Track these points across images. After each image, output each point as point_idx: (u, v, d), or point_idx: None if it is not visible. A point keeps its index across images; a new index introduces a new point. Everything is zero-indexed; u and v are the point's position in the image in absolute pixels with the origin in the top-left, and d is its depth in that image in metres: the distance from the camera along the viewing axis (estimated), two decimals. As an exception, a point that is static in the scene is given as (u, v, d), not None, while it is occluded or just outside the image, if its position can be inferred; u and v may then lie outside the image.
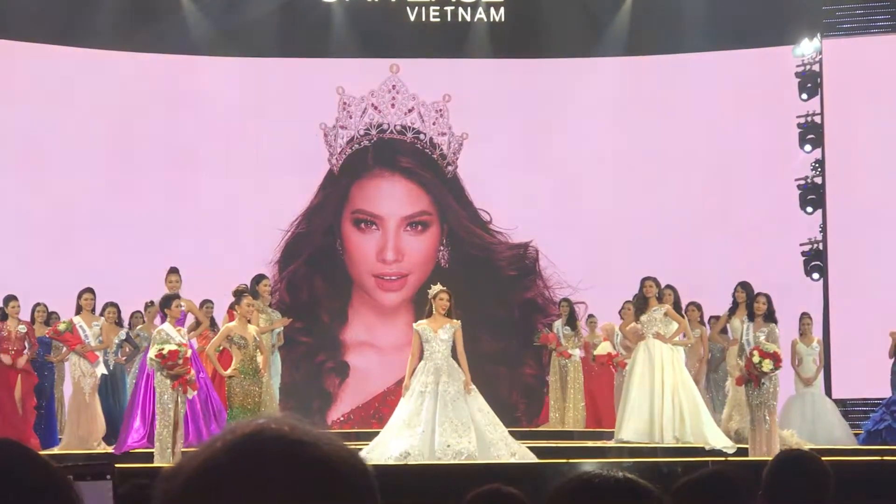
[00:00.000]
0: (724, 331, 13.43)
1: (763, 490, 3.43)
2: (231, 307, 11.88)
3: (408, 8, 17.55)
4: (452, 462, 10.33)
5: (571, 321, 15.19)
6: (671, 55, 17.41)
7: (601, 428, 14.22)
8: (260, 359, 10.99)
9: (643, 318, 12.22)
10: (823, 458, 3.65)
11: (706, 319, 14.04)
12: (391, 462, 10.31)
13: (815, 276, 16.83)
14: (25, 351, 12.64)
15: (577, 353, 15.03)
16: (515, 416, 16.12)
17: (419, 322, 11.25)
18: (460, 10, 17.61)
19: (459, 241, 17.39)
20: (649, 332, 12.15)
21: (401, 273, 17.32)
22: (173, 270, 12.50)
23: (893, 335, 13.62)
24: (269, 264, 16.71)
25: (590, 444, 12.85)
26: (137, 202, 16.59)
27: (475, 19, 17.60)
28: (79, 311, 12.60)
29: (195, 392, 11.12)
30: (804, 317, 13.71)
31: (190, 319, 12.66)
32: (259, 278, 12.97)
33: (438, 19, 17.61)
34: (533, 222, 17.14)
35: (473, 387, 11.01)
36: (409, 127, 17.59)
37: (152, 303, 12.95)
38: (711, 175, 17.04)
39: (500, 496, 2.98)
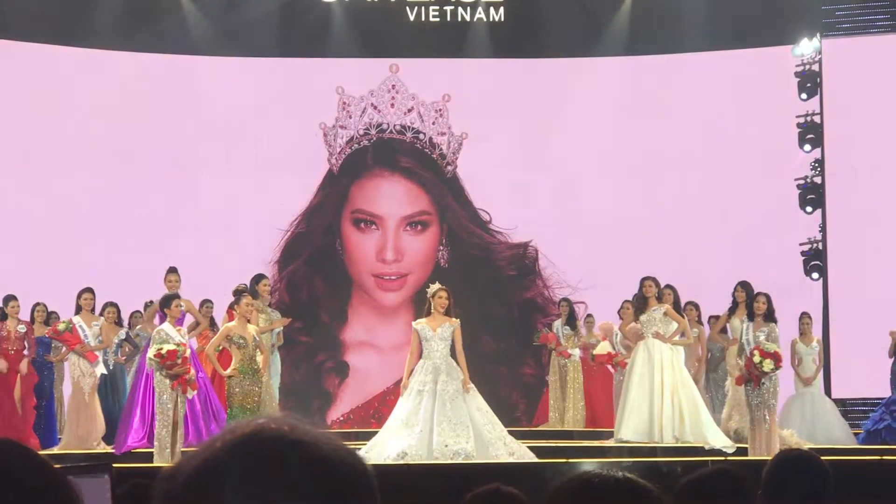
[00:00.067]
0: (723, 330, 13.43)
1: (763, 490, 3.43)
2: (231, 307, 11.88)
3: (407, 8, 17.55)
4: (452, 462, 10.33)
5: (571, 321, 15.20)
6: (671, 55, 17.41)
7: (597, 427, 14.24)
8: (260, 359, 10.99)
9: (643, 317, 12.22)
10: (823, 458, 3.65)
11: (705, 319, 14.05)
12: (389, 462, 10.30)
13: (815, 275, 16.84)
14: (25, 351, 12.63)
15: (577, 352, 15.03)
16: (515, 415, 16.12)
17: (418, 321, 11.24)
18: (460, 9, 17.61)
19: (459, 240, 17.39)
20: (649, 331, 12.15)
21: (400, 273, 17.32)
22: (172, 270, 12.52)
23: (893, 335, 13.62)
24: (269, 264, 16.71)
25: (589, 443, 12.84)
26: (137, 202, 16.59)
27: (475, 19, 17.60)
28: (78, 310, 12.61)
29: (195, 392, 11.12)
30: (804, 316, 13.71)
31: (189, 319, 12.65)
32: (259, 278, 12.97)
33: (438, 19, 17.62)
34: (532, 222, 17.15)
35: (472, 386, 11.00)
36: (409, 127, 17.59)
37: (151, 302, 12.95)
38: (711, 175, 17.04)
39: (500, 496, 2.98)
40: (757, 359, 10.90)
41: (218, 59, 17.19)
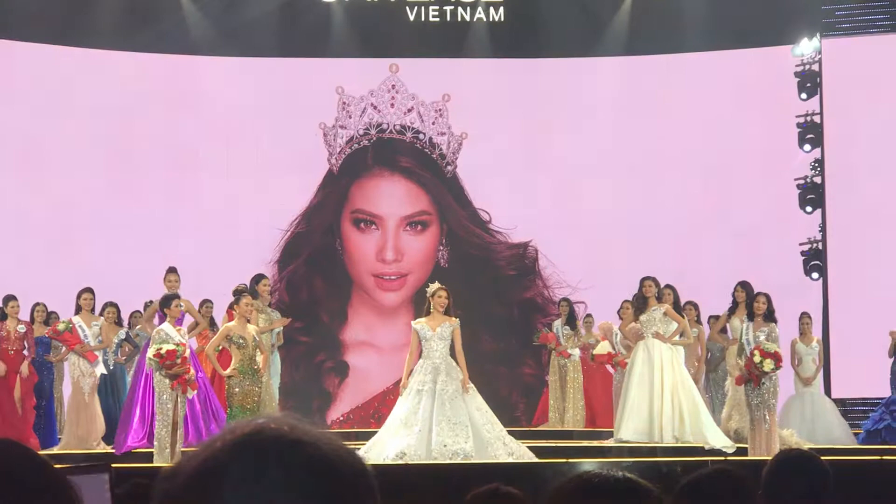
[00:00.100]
0: (723, 330, 13.43)
1: (762, 489, 3.43)
2: (230, 307, 11.88)
3: (407, 8, 17.55)
4: (452, 462, 10.32)
5: (571, 321, 15.20)
6: (671, 55, 17.41)
7: (596, 427, 14.25)
8: (259, 359, 10.99)
9: (642, 317, 12.22)
10: (823, 458, 3.65)
11: (704, 319, 14.05)
12: (388, 462, 10.29)
13: (815, 275, 16.84)
14: (25, 351, 12.63)
15: (577, 352, 15.03)
16: (515, 415, 16.12)
17: (417, 320, 11.23)
18: (460, 9, 17.61)
19: (459, 240, 17.39)
20: (648, 331, 12.15)
21: (400, 273, 17.33)
22: (172, 270, 12.52)
23: (893, 334, 13.62)
24: (269, 264, 16.72)
25: (589, 443, 12.84)
26: (137, 202, 16.59)
27: (474, 19, 17.60)
28: (78, 310, 12.61)
29: (195, 392, 11.11)
30: (803, 316, 13.72)
31: (189, 319, 12.65)
32: (258, 278, 12.97)
33: (438, 19, 17.61)
34: (532, 222, 17.15)
35: (472, 385, 10.98)
36: (409, 127, 17.59)
37: (151, 302, 12.95)
38: (711, 175, 17.04)
39: (501, 496, 2.98)
40: (757, 359, 10.90)
41: (218, 59, 17.19)
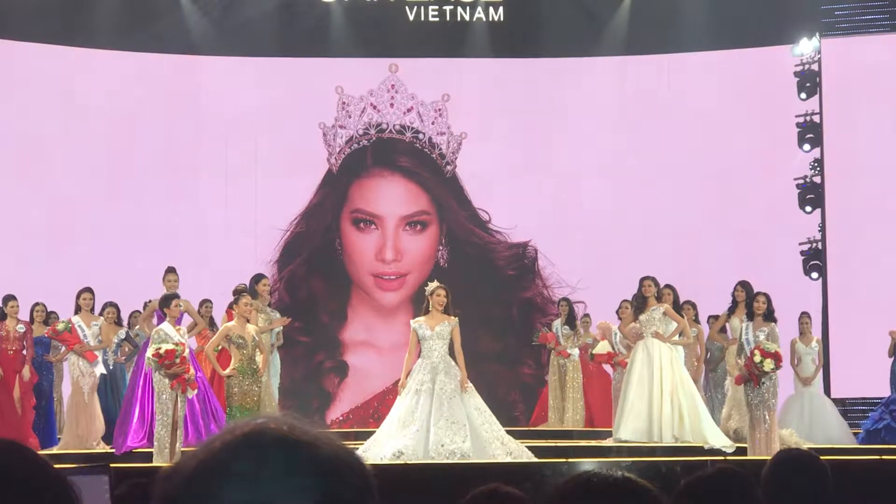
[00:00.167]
0: (723, 330, 13.43)
1: (762, 489, 3.43)
2: (230, 307, 11.88)
3: (407, 7, 17.54)
4: (450, 462, 10.31)
5: (570, 321, 15.20)
6: (670, 55, 17.41)
7: (593, 427, 14.24)
8: (259, 358, 10.99)
9: (642, 317, 12.21)
10: (822, 458, 3.65)
11: (703, 318, 14.05)
12: (385, 461, 10.27)
13: (814, 275, 16.84)
14: (24, 351, 12.62)
15: (576, 352, 15.03)
16: (514, 415, 16.12)
17: (416, 319, 11.21)
18: (459, 9, 17.61)
19: (458, 240, 17.39)
20: (648, 331, 12.15)
21: (400, 273, 17.33)
22: (171, 270, 12.52)
23: (893, 334, 13.62)
24: (268, 264, 16.72)
25: (588, 443, 12.83)
26: (137, 201, 16.60)
27: (474, 19, 17.60)
28: (77, 310, 12.61)
29: (195, 391, 11.11)
30: (803, 316, 13.72)
31: (188, 319, 12.65)
32: (258, 278, 12.97)
33: (437, 19, 17.61)
34: (532, 222, 17.15)
35: (470, 385, 10.97)
36: (408, 126, 17.59)
37: (151, 302, 12.94)
38: (710, 174, 17.05)
39: (500, 496, 2.98)
40: (758, 358, 10.89)
41: (218, 59, 17.19)
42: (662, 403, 11.84)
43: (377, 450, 10.59)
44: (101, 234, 16.26)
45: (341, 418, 16.85)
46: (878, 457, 10.84)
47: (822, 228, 16.83)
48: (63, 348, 12.67)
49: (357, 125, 17.54)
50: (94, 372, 12.40)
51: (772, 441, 10.93)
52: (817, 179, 16.98)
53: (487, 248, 17.44)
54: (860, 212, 16.49)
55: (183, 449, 10.60)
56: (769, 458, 3.72)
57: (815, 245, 16.89)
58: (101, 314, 13.00)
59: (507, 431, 11.24)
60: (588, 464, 10.07)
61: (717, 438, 11.61)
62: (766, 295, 11.63)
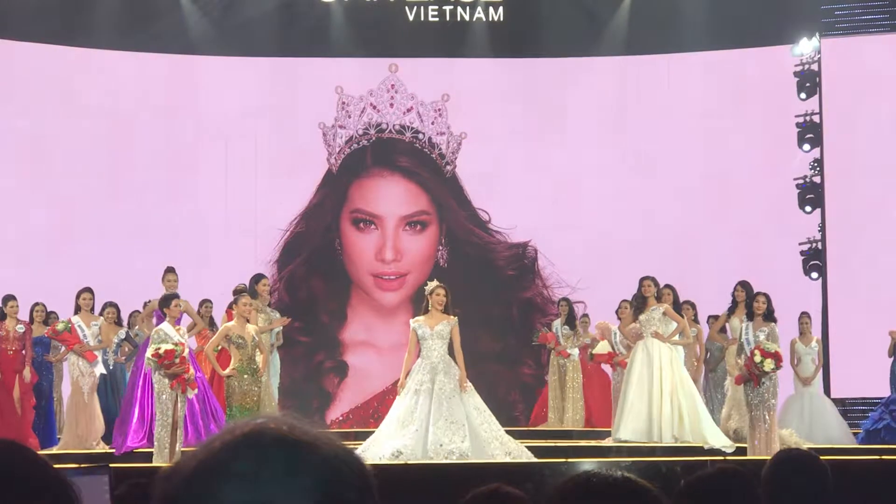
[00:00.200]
0: (723, 330, 13.43)
1: (762, 489, 3.43)
2: (230, 307, 11.88)
3: (406, 7, 17.54)
4: (450, 461, 10.31)
5: (570, 321, 15.20)
6: (670, 55, 17.41)
7: (593, 427, 14.24)
8: (259, 358, 10.99)
9: (642, 317, 12.21)
10: (822, 458, 3.65)
11: (703, 318, 14.05)
12: (384, 461, 10.27)
13: (814, 275, 16.84)
14: (23, 351, 12.62)
15: (576, 352, 15.02)
16: (514, 415, 16.12)
17: (415, 319, 11.20)
18: (459, 9, 17.61)
19: (458, 240, 17.39)
20: (648, 331, 12.14)
21: (399, 273, 17.33)
22: (170, 270, 12.52)
23: (893, 334, 13.62)
24: (268, 264, 16.72)
25: (587, 443, 12.83)
26: (136, 201, 16.60)
27: (474, 19, 17.60)
28: (77, 310, 12.61)
29: (195, 392, 11.11)
30: (803, 316, 13.72)
31: (188, 319, 12.66)
32: (258, 278, 12.96)
33: (437, 19, 17.61)
34: (531, 222, 17.14)
35: (470, 384, 10.96)
36: (408, 126, 17.59)
37: (150, 302, 12.94)
38: (710, 174, 17.05)
39: (501, 496, 2.98)
40: (758, 358, 10.89)
41: (217, 59, 17.19)
42: (662, 403, 11.83)
43: (376, 449, 10.59)
44: (101, 233, 16.26)
45: (341, 418, 16.85)
46: (878, 457, 10.84)
47: (822, 228, 16.84)
48: (63, 348, 12.66)
49: (357, 125, 17.54)
50: (94, 372, 12.40)
51: (772, 441, 10.93)
52: (817, 179, 16.98)
53: (487, 248, 17.44)
54: (860, 212, 16.49)
55: (183, 449, 10.60)
56: (769, 458, 3.72)
57: (814, 245, 16.89)
58: (100, 314, 13.00)
59: (507, 431, 11.23)
60: (588, 464, 10.07)
61: (716, 438, 11.61)
62: (765, 295, 11.63)
